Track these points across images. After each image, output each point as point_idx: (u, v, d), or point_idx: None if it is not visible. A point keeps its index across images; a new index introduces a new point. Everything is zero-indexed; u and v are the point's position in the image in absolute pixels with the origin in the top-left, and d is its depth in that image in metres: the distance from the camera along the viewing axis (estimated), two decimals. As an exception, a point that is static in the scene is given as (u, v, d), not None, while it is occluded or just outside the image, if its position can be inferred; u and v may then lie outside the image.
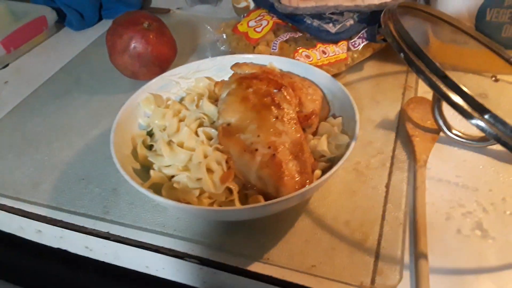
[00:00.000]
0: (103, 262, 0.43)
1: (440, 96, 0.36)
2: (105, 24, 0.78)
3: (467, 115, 0.35)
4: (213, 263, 0.38)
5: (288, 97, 0.43)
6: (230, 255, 0.38)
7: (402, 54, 0.39)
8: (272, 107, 0.41)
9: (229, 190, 0.39)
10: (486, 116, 0.34)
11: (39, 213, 0.44)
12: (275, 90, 0.43)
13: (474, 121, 0.35)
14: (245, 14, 0.67)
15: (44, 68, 0.67)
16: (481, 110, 0.34)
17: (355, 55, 0.58)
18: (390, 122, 0.51)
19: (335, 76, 0.49)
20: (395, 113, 0.53)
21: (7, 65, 0.69)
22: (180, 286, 0.41)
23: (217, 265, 0.38)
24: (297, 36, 0.58)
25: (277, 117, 0.41)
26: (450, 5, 0.58)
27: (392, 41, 0.41)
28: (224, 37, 0.64)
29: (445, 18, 0.55)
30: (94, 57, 0.69)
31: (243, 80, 0.44)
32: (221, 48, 0.65)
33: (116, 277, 0.43)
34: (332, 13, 0.58)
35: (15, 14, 0.74)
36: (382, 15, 0.45)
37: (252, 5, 0.73)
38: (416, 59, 0.38)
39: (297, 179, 0.38)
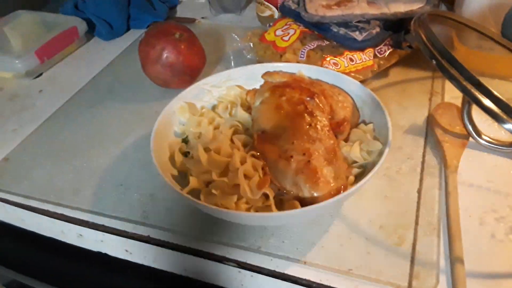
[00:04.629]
0: (142, 265, 0.44)
1: (474, 102, 0.37)
2: (133, 34, 0.80)
3: (501, 120, 0.36)
4: (251, 266, 0.39)
5: (320, 105, 0.44)
6: (267, 259, 0.40)
7: (434, 61, 0.40)
8: (306, 114, 0.43)
9: (265, 196, 0.40)
10: (521, 122, 0.35)
11: (81, 217, 0.45)
12: (307, 98, 0.44)
13: (508, 126, 0.36)
14: (270, 23, 0.68)
15: (77, 77, 0.69)
16: (515, 116, 0.35)
17: (381, 62, 0.59)
18: (419, 128, 0.52)
19: (361, 82, 0.50)
20: (423, 119, 0.53)
21: (41, 74, 0.71)
22: (218, 288, 0.42)
23: (255, 269, 0.39)
24: (324, 44, 0.60)
25: (310, 125, 0.42)
26: (475, 12, 0.59)
27: (424, 48, 0.42)
28: (251, 45, 0.66)
29: (472, 25, 0.55)
30: (124, 66, 0.71)
31: (276, 89, 0.46)
32: (248, 56, 0.66)
33: (154, 279, 0.44)
34: (359, 21, 0.59)
35: (47, 25, 0.76)
36: (412, 22, 0.46)
37: (276, 14, 0.74)
38: (449, 66, 0.39)
39: (332, 184, 0.39)
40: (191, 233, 0.42)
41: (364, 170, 0.43)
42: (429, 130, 0.52)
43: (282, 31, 0.63)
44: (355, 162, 0.43)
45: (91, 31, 0.78)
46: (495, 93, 0.37)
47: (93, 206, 0.46)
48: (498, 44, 0.56)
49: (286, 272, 0.39)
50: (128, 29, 0.81)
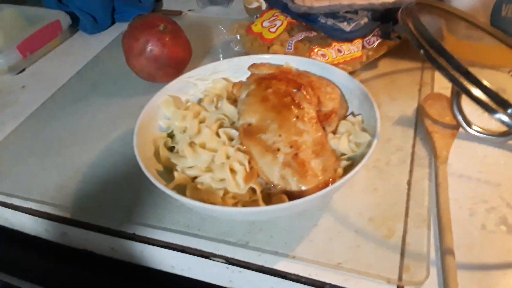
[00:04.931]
0: (128, 263, 0.43)
1: (463, 92, 0.36)
2: (118, 27, 0.78)
3: (490, 110, 0.35)
4: (239, 262, 0.39)
5: (307, 97, 0.43)
6: (255, 254, 0.39)
7: (422, 51, 0.40)
8: (292, 106, 0.42)
9: (252, 190, 0.40)
10: (510, 111, 0.34)
11: (65, 215, 0.44)
12: (294, 90, 0.43)
13: (497, 116, 0.35)
14: (258, 15, 0.67)
15: (60, 72, 0.67)
16: (504, 104, 0.35)
17: (370, 53, 0.58)
18: (408, 119, 0.51)
19: (350, 74, 0.49)
20: (412, 110, 0.53)
21: (24, 69, 0.70)
22: (206, 285, 0.41)
23: (243, 264, 0.39)
24: (312, 35, 0.59)
25: (297, 117, 0.41)
26: (464, 1, 0.58)
27: (412, 38, 0.41)
28: (238, 38, 0.64)
29: (460, 14, 0.55)
30: (109, 60, 0.69)
31: (262, 81, 0.45)
32: (235, 48, 0.65)
33: (141, 277, 0.43)
34: (346, 12, 0.58)
35: (29, 19, 0.74)
36: (399, 12, 0.45)
37: (263, 5, 0.73)
38: (437, 56, 0.39)
39: (320, 177, 0.38)
40: (177, 229, 0.41)
41: (353, 163, 0.42)
42: (419, 121, 0.51)
43: (269, 22, 0.62)
44: (344, 154, 0.43)
45: (75, 25, 0.77)
46: (484, 82, 0.36)
47: (77, 203, 0.45)
48: (487, 33, 0.55)
49: (274, 267, 0.38)
50: (113, 23, 0.80)
